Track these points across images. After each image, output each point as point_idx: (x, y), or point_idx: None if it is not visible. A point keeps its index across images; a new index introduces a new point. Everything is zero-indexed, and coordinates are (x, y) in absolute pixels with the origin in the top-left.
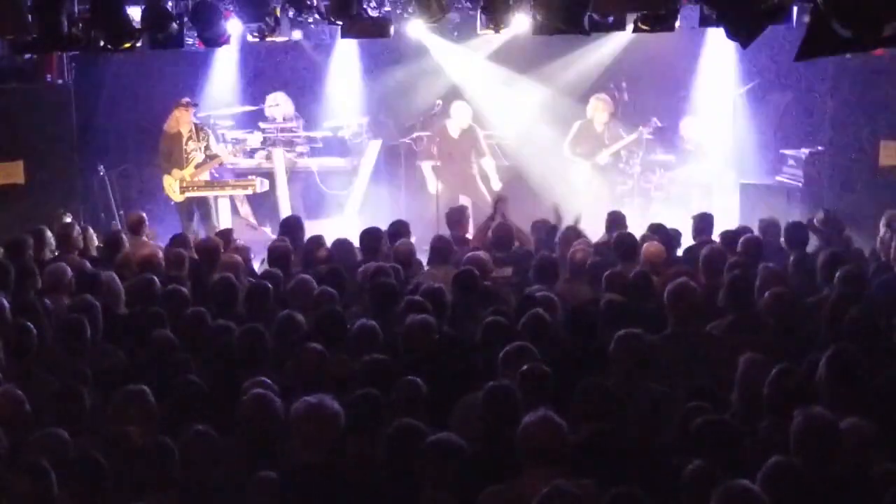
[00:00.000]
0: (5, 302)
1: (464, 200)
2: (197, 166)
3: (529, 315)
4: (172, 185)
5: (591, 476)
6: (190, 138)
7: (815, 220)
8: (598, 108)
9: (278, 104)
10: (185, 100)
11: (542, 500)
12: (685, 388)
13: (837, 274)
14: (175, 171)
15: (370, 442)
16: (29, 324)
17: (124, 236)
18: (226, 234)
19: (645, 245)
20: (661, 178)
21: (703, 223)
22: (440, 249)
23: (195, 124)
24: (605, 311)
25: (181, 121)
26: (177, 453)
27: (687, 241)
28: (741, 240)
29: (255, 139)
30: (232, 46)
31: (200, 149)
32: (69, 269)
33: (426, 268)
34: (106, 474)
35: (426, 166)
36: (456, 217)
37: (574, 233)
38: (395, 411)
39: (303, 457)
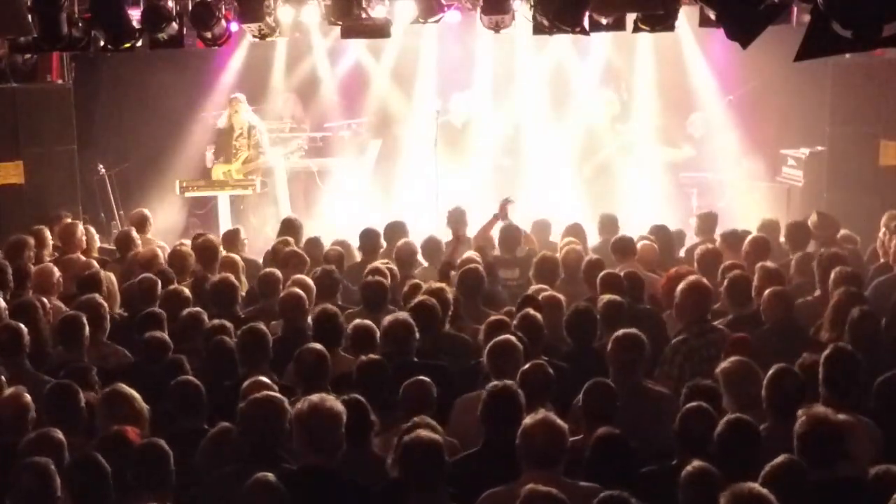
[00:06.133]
0: (2, 302)
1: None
2: (244, 162)
3: (521, 315)
4: (219, 175)
5: (598, 479)
6: (241, 135)
7: (808, 223)
8: (605, 107)
9: (288, 103)
10: (233, 95)
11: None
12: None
13: (837, 274)
14: (222, 165)
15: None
16: (21, 324)
17: (135, 234)
18: (234, 235)
19: (639, 245)
20: (662, 178)
21: (707, 222)
22: (429, 250)
23: (249, 123)
24: (603, 311)
25: (231, 116)
26: (172, 455)
27: (690, 240)
28: (748, 239)
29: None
30: (232, 46)
31: (248, 146)
32: (56, 270)
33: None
34: (105, 475)
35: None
36: (456, 217)
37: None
38: (406, 412)
39: (306, 458)
